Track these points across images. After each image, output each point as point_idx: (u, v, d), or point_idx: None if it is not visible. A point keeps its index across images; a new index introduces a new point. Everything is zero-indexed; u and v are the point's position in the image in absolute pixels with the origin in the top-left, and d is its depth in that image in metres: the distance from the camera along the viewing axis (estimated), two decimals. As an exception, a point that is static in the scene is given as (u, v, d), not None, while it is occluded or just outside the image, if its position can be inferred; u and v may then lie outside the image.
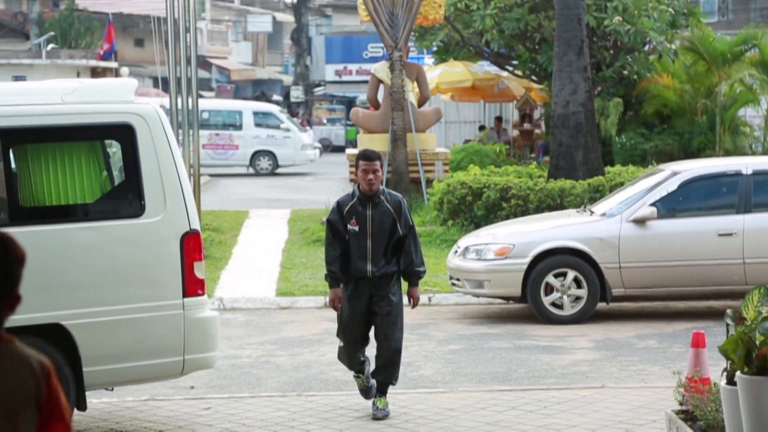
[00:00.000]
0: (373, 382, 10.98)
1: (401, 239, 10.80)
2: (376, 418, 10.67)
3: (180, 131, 21.53)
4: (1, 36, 51.44)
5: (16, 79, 31.77)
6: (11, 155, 9.98)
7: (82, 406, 9.69)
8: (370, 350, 11.10)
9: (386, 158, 27.19)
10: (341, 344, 11.10)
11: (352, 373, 11.26)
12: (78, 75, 35.59)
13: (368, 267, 10.72)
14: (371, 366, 11.16)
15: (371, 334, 11.11)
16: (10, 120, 9.99)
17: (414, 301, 11.18)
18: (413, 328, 15.59)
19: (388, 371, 10.95)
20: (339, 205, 10.92)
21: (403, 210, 10.82)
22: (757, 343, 7.79)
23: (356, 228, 10.66)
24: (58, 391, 4.32)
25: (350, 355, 11.07)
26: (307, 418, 10.81)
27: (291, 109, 68.33)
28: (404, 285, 11.17)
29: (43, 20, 54.27)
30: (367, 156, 10.95)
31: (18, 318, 9.64)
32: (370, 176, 10.71)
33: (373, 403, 10.85)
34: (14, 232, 9.74)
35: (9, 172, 9.92)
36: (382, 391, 10.93)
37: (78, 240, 9.77)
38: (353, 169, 28.43)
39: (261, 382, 12.79)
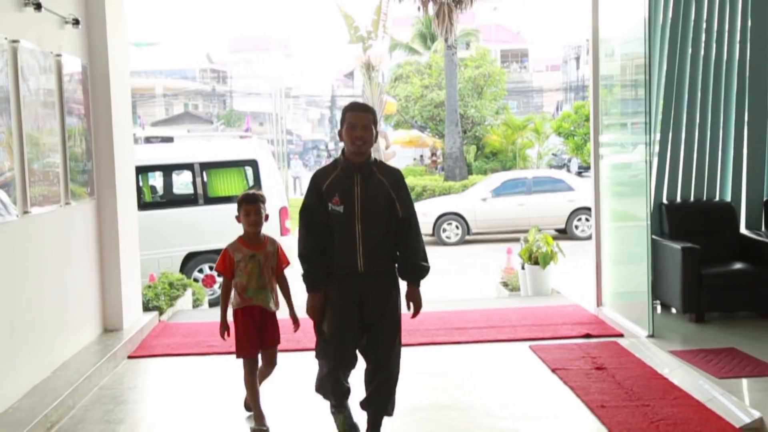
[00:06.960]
0: (358, 419, 3.83)
1: (400, 224, 3.55)
2: None
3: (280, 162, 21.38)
4: (200, 123, 51.57)
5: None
6: (204, 174, 9.91)
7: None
8: (356, 375, 3.80)
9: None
10: (323, 369, 3.73)
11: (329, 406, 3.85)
12: (233, 139, 35.50)
13: (358, 260, 3.52)
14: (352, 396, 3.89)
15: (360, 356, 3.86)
16: (203, 157, 9.92)
17: (415, 308, 3.63)
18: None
19: (381, 400, 3.69)
20: (316, 180, 3.57)
21: (402, 185, 3.57)
22: (534, 251, 7.86)
23: (340, 208, 3.49)
24: (282, 256, 4.06)
25: (335, 382, 3.70)
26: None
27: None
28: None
29: (231, 116, 55.34)
30: (357, 105, 3.57)
31: (209, 247, 9.64)
32: (359, 132, 3.49)
33: None
34: (207, 209, 9.79)
35: (203, 182, 9.84)
36: (375, 426, 3.72)
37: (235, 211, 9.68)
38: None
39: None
